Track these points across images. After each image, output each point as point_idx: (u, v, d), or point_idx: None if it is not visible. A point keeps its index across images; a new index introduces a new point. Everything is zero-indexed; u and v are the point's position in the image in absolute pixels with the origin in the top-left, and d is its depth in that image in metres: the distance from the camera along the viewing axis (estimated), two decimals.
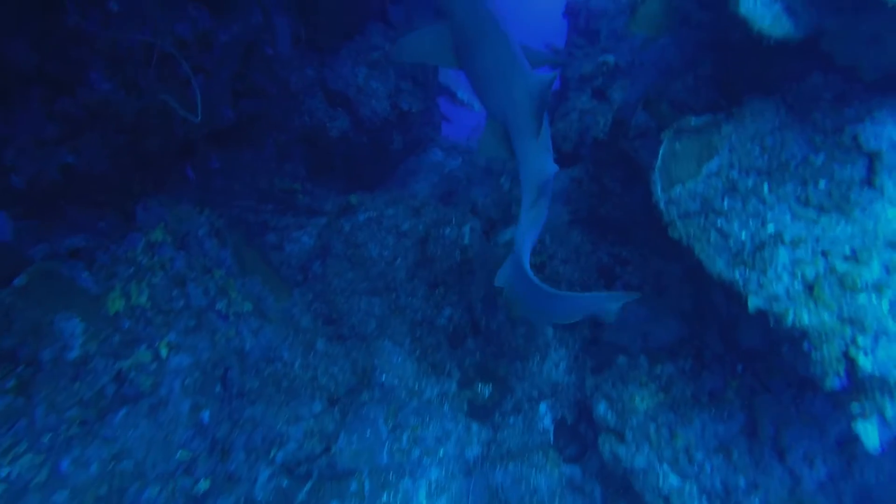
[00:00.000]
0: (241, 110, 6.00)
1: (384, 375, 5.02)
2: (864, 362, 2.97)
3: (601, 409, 4.49)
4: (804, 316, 3.06)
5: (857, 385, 3.06)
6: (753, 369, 4.27)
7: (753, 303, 3.16)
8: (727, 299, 4.01)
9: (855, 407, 3.10)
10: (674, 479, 4.06)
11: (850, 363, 3.02)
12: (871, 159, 3.16)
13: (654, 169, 3.32)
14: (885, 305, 3.00)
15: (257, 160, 6.79)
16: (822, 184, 3.22)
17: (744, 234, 3.25)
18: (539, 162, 3.02)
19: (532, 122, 3.01)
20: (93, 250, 3.79)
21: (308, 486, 4.37)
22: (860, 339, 2.99)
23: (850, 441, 4.21)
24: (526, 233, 3.09)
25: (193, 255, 4.01)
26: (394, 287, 5.13)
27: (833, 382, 3.05)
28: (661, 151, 3.38)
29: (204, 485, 3.92)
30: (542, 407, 4.99)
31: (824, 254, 3.10)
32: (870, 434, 3.12)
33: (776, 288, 3.13)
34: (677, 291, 4.65)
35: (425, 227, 5.73)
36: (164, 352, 3.80)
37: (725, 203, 3.27)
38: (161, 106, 3.89)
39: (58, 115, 3.71)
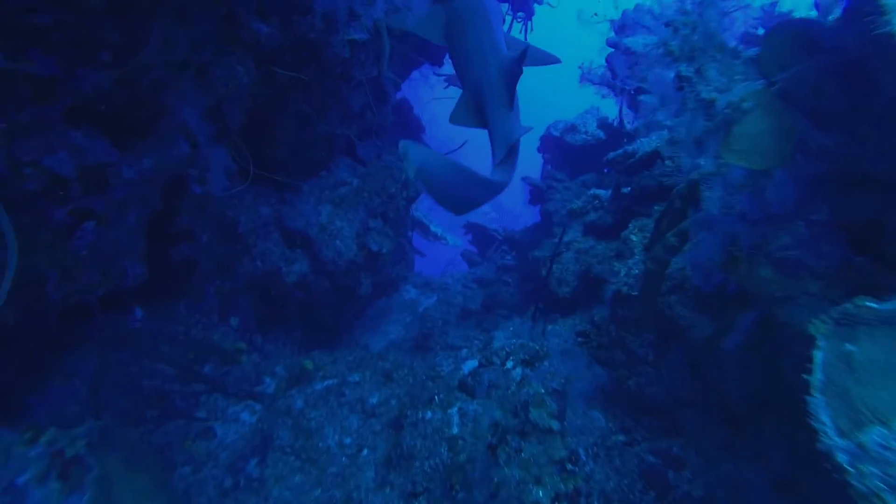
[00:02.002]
0: (171, 257, 4.75)
1: None
2: None
3: None
4: None
5: None
6: None
7: None
8: None
9: None
10: None
11: None
12: None
13: (813, 388, 2.00)
14: None
15: (194, 314, 5.44)
16: None
17: None
18: (509, 125, 3.17)
19: (504, 93, 3.20)
20: None
21: None
22: None
23: None
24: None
25: None
26: (357, 500, 3.63)
27: None
28: (818, 358, 2.05)
29: None
30: None
31: None
32: None
33: None
34: None
35: (399, 402, 4.34)
36: None
37: None
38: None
39: None
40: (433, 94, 11.45)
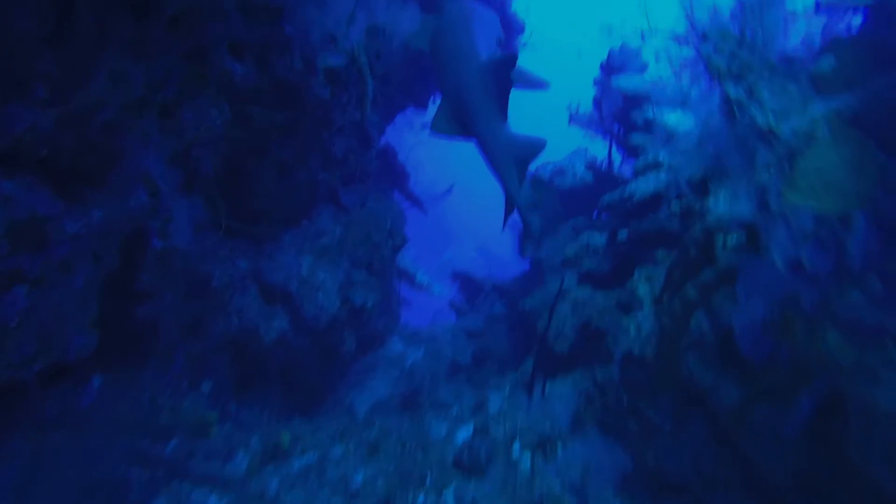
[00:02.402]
0: (134, 318, 4.24)
1: None
2: None
3: None
4: None
5: None
6: None
7: None
8: None
9: None
10: None
11: None
12: None
13: None
14: None
15: (160, 380, 4.88)
16: None
17: None
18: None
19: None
20: None
21: None
22: None
23: None
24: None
25: None
26: None
27: None
28: None
29: None
30: None
31: None
32: None
33: None
34: None
35: (387, 481, 3.81)
36: None
37: None
38: None
39: None
40: (418, 139, 11.20)
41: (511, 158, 3.11)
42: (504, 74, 2.92)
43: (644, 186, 5.01)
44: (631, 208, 5.19)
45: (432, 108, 9.54)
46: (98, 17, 2.52)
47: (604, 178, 8.11)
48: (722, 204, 3.63)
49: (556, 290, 7.44)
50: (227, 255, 5.79)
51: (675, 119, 6.69)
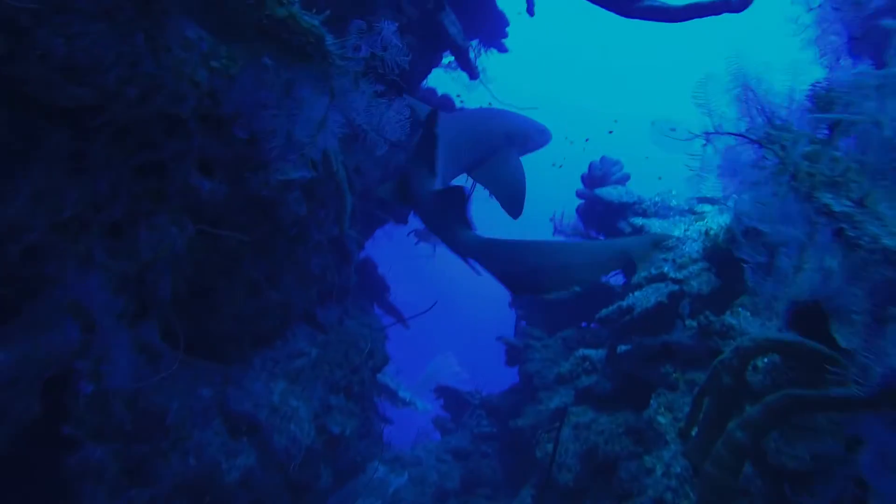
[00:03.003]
0: (66, 469, 3.51)
1: None
2: None
3: None
4: None
5: None
6: None
7: None
8: None
9: None
10: None
11: None
12: None
13: None
14: None
15: None
16: None
17: None
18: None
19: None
20: None
21: None
22: None
23: None
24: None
25: None
26: None
27: None
28: None
29: None
30: None
31: None
32: None
33: None
34: None
35: None
36: None
37: None
38: None
39: None
40: (399, 253, 10.86)
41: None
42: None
43: (644, 300, 4.59)
44: (630, 322, 4.73)
45: (413, 222, 9.28)
46: (22, 127, 2.10)
47: (592, 287, 7.71)
48: (753, 324, 3.17)
49: (550, 409, 6.80)
50: (189, 384, 5.11)
51: (661, 227, 6.44)
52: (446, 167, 3.03)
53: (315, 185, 5.31)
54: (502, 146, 3.50)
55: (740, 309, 3.72)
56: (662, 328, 4.55)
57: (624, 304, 4.80)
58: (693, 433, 3.30)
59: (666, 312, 4.50)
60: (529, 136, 3.71)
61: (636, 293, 4.85)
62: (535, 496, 5.48)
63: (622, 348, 5.26)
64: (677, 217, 6.47)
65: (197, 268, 4.82)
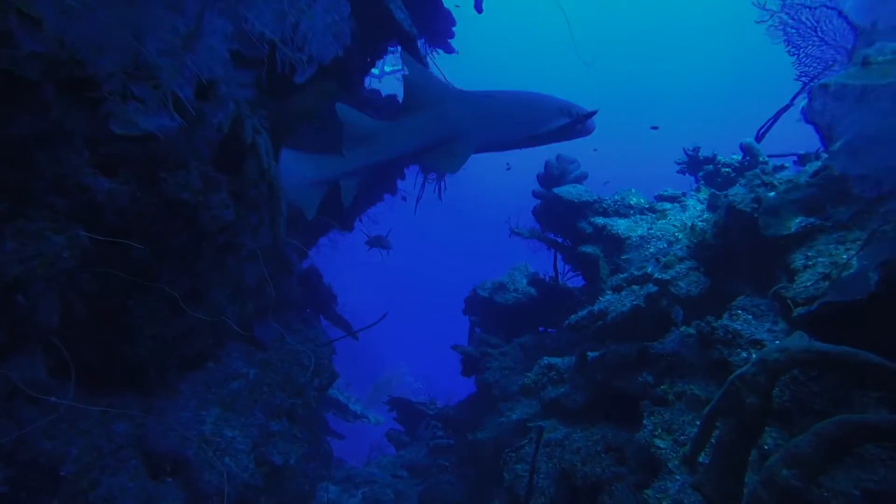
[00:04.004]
0: None
1: None
2: None
3: None
4: None
5: None
6: None
7: None
8: None
9: None
10: None
11: None
12: None
13: None
14: None
15: None
16: None
17: None
18: None
19: None
20: None
21: None
22: None
23: None
24: None
25: None
26: None
27: None
28: None
29: None
30: None
31: None
32: None
33: None
34: None
35: None
36: None
37: None
38: None
39: None
40: (346, 262, 10.03)
41: None
42: None
43: (619, 303, 4.01)
44: (603, 328, 4.14)
45: (359, 230, 8.51)
46: None
47: (550, 291, 7.15)
48: (760, 329, 2.59)
49: (511, 421, 6.16)
50: (97, 422, 4.19)
51: (626, 226, 5.93)
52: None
53: (246, 186, 4.49)
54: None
55: (740, 312, 3.19)
56: (639, 334, 3.99)
57: (595, 308, 4.22)
58: (700, 460, 2.71)
59: (643, 317, 3.95)
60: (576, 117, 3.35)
61: (608, 296, 4.28)
62: None
63: (592, 356, 4.68)
64: (638, 216, 5.99)
65: (102, 286, 3.95)
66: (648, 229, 5.58)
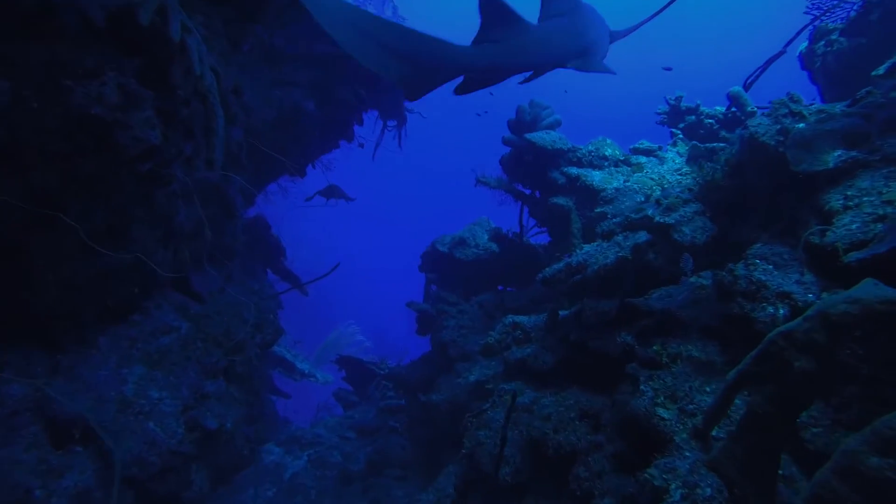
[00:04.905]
0: None
1: None
2: None
3: None
4: None
5: None
6: None
7: None
8: None
9: None
10: None
11: None
12: None
13: None
14: None
15: None
16: None
17: None
18: None
19: None
20: None
21: None
22: None
23: None
24: None
25: None
26: None
27: None
28: None
29: None
30: None
31: None
32: None
33: None
34: None
35: None
36: None
37: None
38: None
39: None
40: (298, 214, 9.18)
41: None
42: None
43: (601, 255, 3.48)
44: (582, 283, 3.62)
45: (313, 177, 7.68)
46: None
47: (513, 247, 6.61)
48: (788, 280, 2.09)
49: (469, 382, 5.66)
50: None
51: (601, 178, 5.40)
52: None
53: (177, 105, 3.66)
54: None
55: (758, 261, 2.70)
56: (622, 291, 3.48)
57: (573, 260, 3.69)
58: (714, 434, 2.24)
59: (628, 271, 3.44)
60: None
61: (587, 247, 3.76)
62: (460, 488, 4.33)
63: (564, 314, 4.17)
64: (613, 168, 5.48)
65: None
66: (625, 181, 5.08)
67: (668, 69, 8.23)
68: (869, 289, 1.60)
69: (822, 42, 5.11)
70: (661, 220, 3.31)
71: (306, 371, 10.93)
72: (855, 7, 5.03)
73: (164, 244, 4.64)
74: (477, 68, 2.24)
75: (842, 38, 4.96)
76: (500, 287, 7.28)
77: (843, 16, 5.07)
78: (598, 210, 4.74)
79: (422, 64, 2.10)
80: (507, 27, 2.24)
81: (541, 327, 4.43)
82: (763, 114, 3.39)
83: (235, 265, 6.44)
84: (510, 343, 4.76)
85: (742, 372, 1.89)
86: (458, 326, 6.70)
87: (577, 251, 3.84)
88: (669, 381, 2.59)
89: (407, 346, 8.67)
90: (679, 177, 4.71)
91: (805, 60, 5.25)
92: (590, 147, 5.66)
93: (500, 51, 2.25)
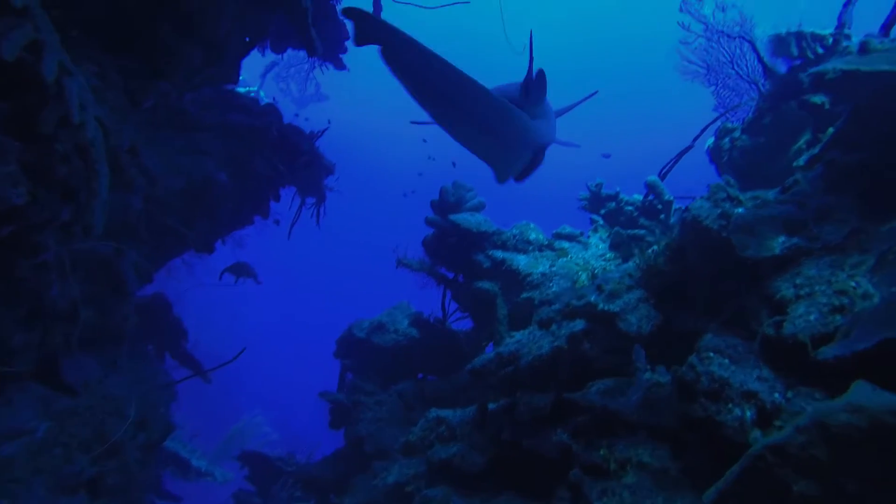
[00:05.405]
0: None
1: None
2: None
3: None
4: None
5: None
6: None
7: None
8: None
9: None
10: None
11: None
12: None
13: None
14: None
15: None
16: None
17: None
18: None
19: None
20: None
21: None
22: None
23: None
24: None
25: None
26: None
27: None
28: None
29: None
30: None
31: None
32: None
33: None
34: None
35: None
36: None
37: None
38: None
39: None
40: (203, 293, 8.33)
41: None
42: None
43: (534, 344, 3.15)
44: (514, 375, 3.24)
45: (222, 253, 7.01)
46: None
47: (435, 333, 6.19)
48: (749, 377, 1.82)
49: (387, 484, 4.99)
50: None
51: (527, 262, 5.21)
52: None
53: (53, 160, 3.08)
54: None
55: (711, 354, 2.45)
56: (558, 383, 3.13)
57: (504, 350, 3.32)
58: None
59: (564, 362, 3.12)
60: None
61: (517, 335, 3.42)
62: None
63: (493, 407, 3.75)
64: (537, 252, 5.33)
65: None
66: (550, 266, 4.91)
67: (607, 156, 8.53)
68: (868, 394, 1.33)
69: (727, 139, 5.42)
70: (606, 308, 3.06)
71: (203, 469, 9.62)
72: (750, 112, 5.41)
73: (26, 325, 3.84)
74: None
75: (744, 136, 5.29)
76: (419, 375, 6.77)
77: (742, 116, 5.43)
78: (525, 295, 4.49)
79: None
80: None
81: (468, 423, 3.96)
82: (702, 197, 3.36)
83: (124, 350, 5.56)
84: (433, 440, 4.23)
85: (723, 492, 1.54)
86: (375, 419, 6.07)
87: (508, 340, 3.51)
88: (627, 499, 2.19)
89: (319, 438, 7.79)
90: (604, 262, 4.61)
91: (712, 154, 5.56)
92: (514, 231, 5.52)
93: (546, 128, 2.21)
